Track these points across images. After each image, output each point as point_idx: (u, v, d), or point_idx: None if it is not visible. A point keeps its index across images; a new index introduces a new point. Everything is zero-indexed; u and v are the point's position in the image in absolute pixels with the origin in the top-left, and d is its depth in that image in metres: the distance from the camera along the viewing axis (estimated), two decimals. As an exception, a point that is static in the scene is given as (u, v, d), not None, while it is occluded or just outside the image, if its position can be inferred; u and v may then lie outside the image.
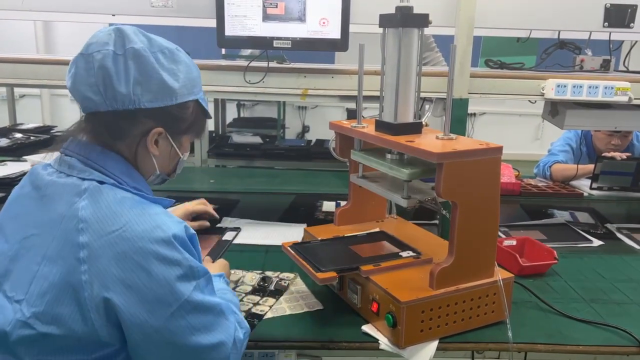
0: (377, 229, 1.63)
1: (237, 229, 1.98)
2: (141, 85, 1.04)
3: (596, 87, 1.75)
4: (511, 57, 2.36)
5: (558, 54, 2.42)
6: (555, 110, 2.13)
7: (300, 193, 2.52)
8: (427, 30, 1.78)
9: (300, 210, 2.29)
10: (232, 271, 1.60)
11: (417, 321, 1.26)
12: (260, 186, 2.67)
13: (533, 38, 2.45)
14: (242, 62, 1.80)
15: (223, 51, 3.61)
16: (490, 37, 2.69)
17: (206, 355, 1.01)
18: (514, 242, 1.81)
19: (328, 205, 2.31)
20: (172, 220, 1.02)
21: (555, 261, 1.69)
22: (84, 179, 1.02)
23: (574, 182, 2.86)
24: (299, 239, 1.72)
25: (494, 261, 1.35)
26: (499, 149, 1.27)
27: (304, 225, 2.02)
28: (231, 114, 7.05)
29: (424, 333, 1.27)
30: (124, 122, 1.07)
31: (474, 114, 8.26)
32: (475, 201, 1.27)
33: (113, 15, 1.70)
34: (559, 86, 1.75)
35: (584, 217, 2.31)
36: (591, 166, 2.78)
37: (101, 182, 1.02)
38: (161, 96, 1.07)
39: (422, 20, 1.34)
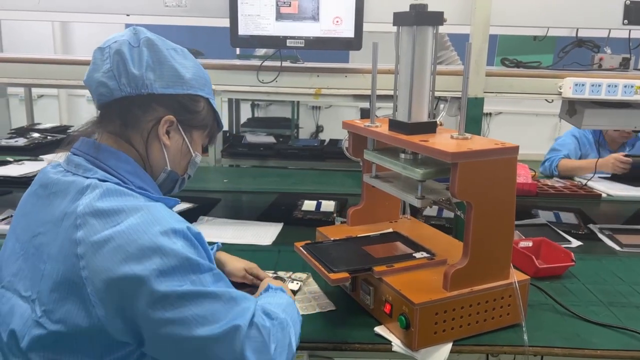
0: (390, 230, 1.61)
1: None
2: (154, 71, 1.08)
3: (615, 86, 1.72)
4: (528, 56, 2.33)
5: (576, 52, 2.38)
6: (572, 109, 2.09)
7: (306, 193, 2.48)
8: (443, 29, 1.76)
9: (280, 209, 2.27)
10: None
11: (431, 323, 1.24)
12: (272, 185, 2.66)
13: (550, 36, 2.42)
14: (256, 62, 1.80)
15: (237, 51, 3.63)
16: (506, 35, 2.66)
17: (217, 345, 0.95)
18: (530, 244, 1.79)
19: (308, 205, 2.28)
20: (173, 217, 1.01)
21: (572, 263, 1.66)
22: (87, 177, 1.03)
23: (591, 183, 2.82)
24: (273, 238, 1.71)
25: (509, 263, 1.32)
26: (515, 149, 1.25)
27: (281, 225, 2.04)
28: (245, 113, 7.08)
29: (438, 335, 1.26)
30: (137, 109, 1.09)
31: (490, 114, 8.18)
32: (490, 202, 1.24)
33: (127, 15, 1.71)
34: (576, 85, 1.71)
35: (568, 217, 2.27)
36: (594, 161, 2.81)
37: (104, 180, 1.03)
38: (172, 83, 1.10)
39: (437, 18, 1.32)
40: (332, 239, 1.54)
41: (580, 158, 3.28)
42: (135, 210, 0.98)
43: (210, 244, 1.23)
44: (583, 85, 1.71)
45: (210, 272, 1.00)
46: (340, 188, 2.61)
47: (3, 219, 1.94)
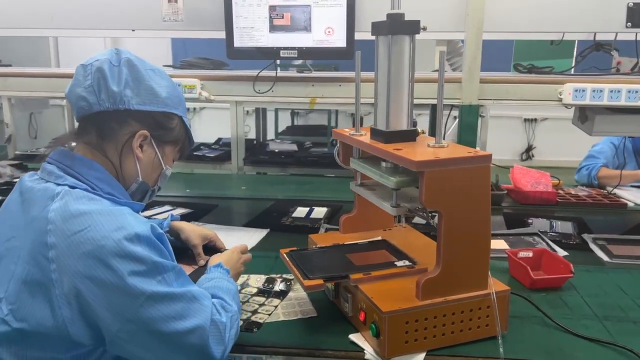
0: (379, 238, 1.61)
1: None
2: (132, 89, 1.15)
3: (619, 92, 1.65)
4: (545, 61, 2.28)
5: (596, 56, 2.31)
6: (584, 115, 2.03)
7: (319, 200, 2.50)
8: (438, 35, 1.76)
9: (272, 215, 2.29)
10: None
11: (401, 332, 1.23)
12: (285, 192, 2.69)
13: (568, 40, 2.35)
14: (253, 72, 1.84)
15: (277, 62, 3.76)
16: (523, 40, 2.60)
17: (184, 340, 1.04)
18: (530, 254, 1.74)
19: (300, 211, 2.30)
20: (137, 220, 1.08)
21: (571, 275, 1.61)
22: (59, 184, 1.10)
23: (617, 191, 2.70)
24: (254, 244, 1.80)
25: (487, 273, 1.30)
26: (487, 157, 1.23)
27: (266, 231, 2.06)
28: (285, 122, 7.18)
29: (409, 344, 1.25)
30: (114, 123, 1.17)
31: (535, 120, 7.94)
32: (462, 210, 1.23)
33: (133, 30, 1.80)
34: (576, 91, 1.66)
35: (563, 226, 2.18)
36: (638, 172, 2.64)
37: (73, 187, 1.09)
38: (148, 101, 1.17)
39: (413, 27, 1.33)
40: (319, 246, 1.56)
41: (617, 167, 3.13)
42: (101, 216, 1.04)
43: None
44: (584, 91, 1.66)
45: (173, 271, 1.07)
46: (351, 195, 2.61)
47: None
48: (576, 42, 2.56)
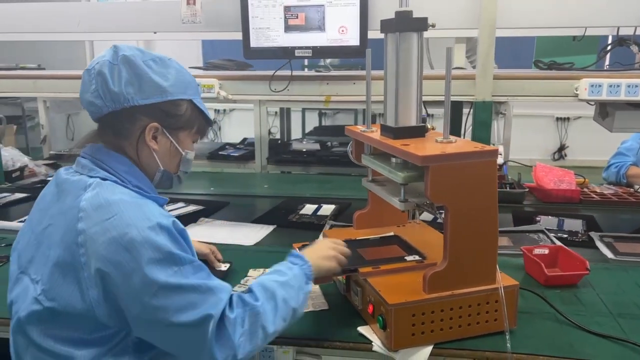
0: (392, 233, 1.63)
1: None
2: (133, 86, 1.18)
3: (636, 86, 1.63)
4: (568, 57, 2.25)
5: (620, 52, 2.26)
6: (604, 111, 2.00)
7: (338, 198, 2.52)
8: (450, 33, 1.77)
9: (280, 212, 2.33)
10: (254, 270, 1.68)
11: (408, 324, 1.25)
12: (307, 191, 2.73)
13: (591, 36, 2.31)
14: (269, 72, 1.87)
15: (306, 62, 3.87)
16: (544, 37, 2.57)
17: (192, 331, 1.06)
18: (546, 251, 1.72)
19: (308, 208, 2.34)
20: (161, 213, 1.14)
21: (587, 272, 1.59)
22: (91, 177, 1.17)
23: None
24: (258, 240, 1.85)
25: (494, 267, 1.30)
26: (493, 152, 1.24)
27: (272, 227, 2.10)
28: (312, 122, 7.23)
29: (416, 337, 1.27)
30: (125, 121, 1.22)
31: (568, 118, 7.77)
32: (468, 205, 1.24)
33: (155, 32, 1.87)
34: (592, 86, 1.64)
35: (573, 224, 2.14)
36: None
37: (104, 179, 1.16)
38: (151, 94, 1.20)
39: (421, 24, 1.34)
40: (332, 241, 1.59)
41: None
42: (128, 206, 1.11)
43: None
44: (600, 86, 1.64)
45: (190, 264, 1.11)
46: (361, 193, 2.62)
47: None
48: (599, 37, 2.51)
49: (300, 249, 1.38)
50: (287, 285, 1.21)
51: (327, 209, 2.32)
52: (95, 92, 1.18)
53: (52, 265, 1.11)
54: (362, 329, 1.35)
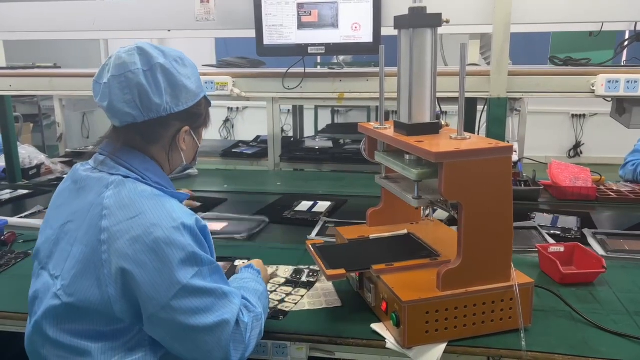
0: (405, 231, 1.62)
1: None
2: (170, 95, 1.20)
3: (654, 82, 1.60)
4: (584, 53, 2.22)
5: (638, 47, 2.23)
6: (621, 108, 1.97)
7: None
8: (465, 29, 1.76)
9: (276, 208, 2.34)
10: (268, 266, 1.69)
11: (421, 322, 1.25)
12: (316, 188, 2.72)
13: (608, 31, 2.28)
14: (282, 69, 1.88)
15: (319, 59, 3.86)
16: (560, 33, 2.54)
17: (207, 334, 1.09)
18: (562, 249, 1.71)
19: (304, 205, 2.35)
20: (184, 211, 1.15)
21: (603, 270, 1.57)
22: (112, 174, 1.18)
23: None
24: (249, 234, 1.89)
25: (509, 265, 1.30)
26: (508, 149, 1.23)
27: (266, 222, 2.14)
28: (325, 120, 7.22)
29: (430, 334, 1.26)
30: (158, 127, 1.23)
31: (584, 115, 7.68)
32: (483, 202, 1.23)
33: (169, 30, 1.88)
34: (609, 82, 1.62)
35: (567, 221, 2.11)
36: None
37: (126, 177, 1.17)
38: (185, 100, 1.23)
39: (435, 20, 1.34)
40: (347, 238, 1.59)
41: None
42: (152, 204, 1.13)
43: None
44: (617, 82, 1.62)
45: (209, 265, 1.13)
46: (361, 190, 2.61)
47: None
48: (616, 33, 2.47)
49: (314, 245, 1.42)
50: (258, 283, 1.32)
51: (322, 205, 2.33)
52: (131, 103, 1.17)
53: (72, 261, 1.13)
54: (375, 326, 1.35)
